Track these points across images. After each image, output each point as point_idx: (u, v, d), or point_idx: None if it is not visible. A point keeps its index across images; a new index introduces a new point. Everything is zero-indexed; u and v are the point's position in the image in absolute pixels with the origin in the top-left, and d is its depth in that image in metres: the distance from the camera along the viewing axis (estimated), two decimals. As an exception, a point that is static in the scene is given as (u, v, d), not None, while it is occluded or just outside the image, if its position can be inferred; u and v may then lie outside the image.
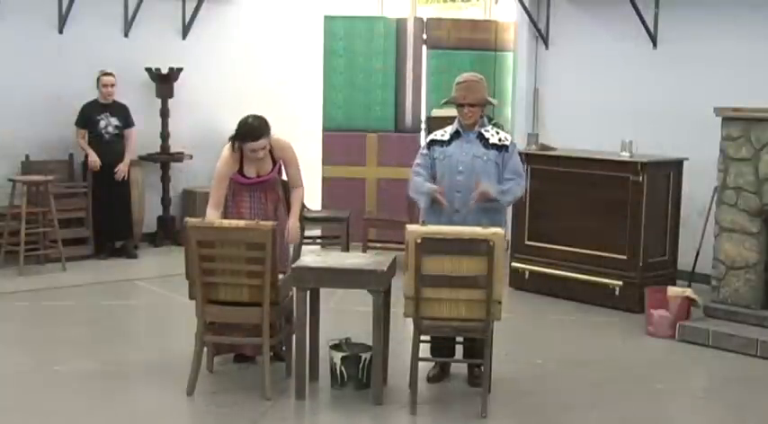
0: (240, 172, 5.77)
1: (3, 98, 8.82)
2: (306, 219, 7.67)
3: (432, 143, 5.75)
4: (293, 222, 5.88)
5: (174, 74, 9.58)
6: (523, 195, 5.99)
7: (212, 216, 5.68)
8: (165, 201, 9.84)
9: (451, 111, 5.81)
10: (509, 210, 8.16)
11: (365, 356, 5.47)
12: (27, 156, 8.95)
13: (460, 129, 5.67)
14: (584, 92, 9.16)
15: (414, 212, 5.96)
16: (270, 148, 5.75)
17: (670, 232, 7.72)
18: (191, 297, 5.44)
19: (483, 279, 5.05)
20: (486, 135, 5.63)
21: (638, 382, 5.88)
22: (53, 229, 8.51)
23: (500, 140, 5.64)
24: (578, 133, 8.86)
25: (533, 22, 9.49)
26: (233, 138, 5.70)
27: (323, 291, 5.66)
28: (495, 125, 5.72)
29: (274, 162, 5.83)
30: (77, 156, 9.18)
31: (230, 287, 5.36)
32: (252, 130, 5.64)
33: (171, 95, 9.64)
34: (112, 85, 8.99)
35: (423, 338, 5.32)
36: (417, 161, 5.76)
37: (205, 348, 5.57)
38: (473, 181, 5.54)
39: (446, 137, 5.70)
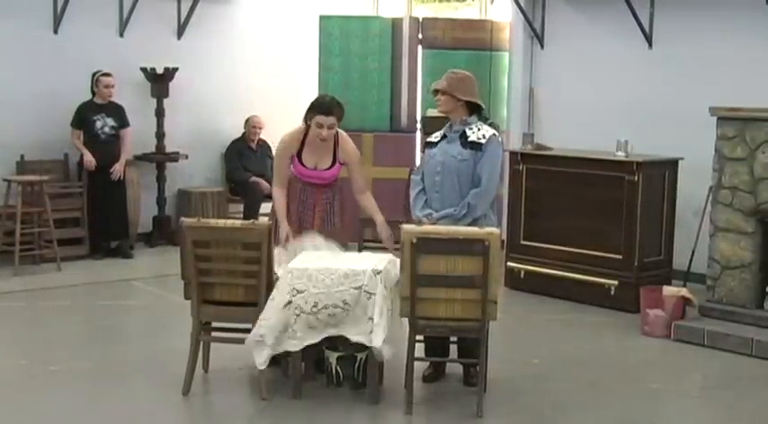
0: (299, 157, 5.78)
1: (-2, 98, 8.82)
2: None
3: (426, 145, 5.80)
4: (382, 220, 5.93)
5: (169, 73, 9.57)
6: (500, 194, 5.99)
7: (277, 194, 5.81)
8: (161, 201, 9.84)
9: (447, 111, 5.82)
10: (504, 210, 8.21)
11: (361, 355, 5.46)
12: (22, 156, 8.94)
13: (448, 129, 5.68)
14: (580, 92, 9.15)
15: (409, 213, 5.97)
16: (336, 144, 5.78)
17: (665, 231, 7.73)
18: (186, 297, 5.45)
19: (479, 279, 5.05)
20: (468, 132, 5.58)
21: (633, 381, 5.88)
22: (48, 229, 8.50)
23: (478, 138, 5.54)
24: (574, 133, 8.85)
25: (529, 22, 9.49)
26: (306, 113, 5.72)
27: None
28: (491, 125, 5.68)
29: (334, 160, 5.83)
30: (73, 156, 9.17)
31: (226, 287, 5.36)
32: (323, 104, 5.70)
33: (166, 95, 9.63)
34: (112, 86, 8.98)
35: (417, 337, 5.33)
36: (415, 169, 5.83)
37: (201, 348, 5.57)
38: (449, 182, 5.55)
39: (436, 139, 5.72)
